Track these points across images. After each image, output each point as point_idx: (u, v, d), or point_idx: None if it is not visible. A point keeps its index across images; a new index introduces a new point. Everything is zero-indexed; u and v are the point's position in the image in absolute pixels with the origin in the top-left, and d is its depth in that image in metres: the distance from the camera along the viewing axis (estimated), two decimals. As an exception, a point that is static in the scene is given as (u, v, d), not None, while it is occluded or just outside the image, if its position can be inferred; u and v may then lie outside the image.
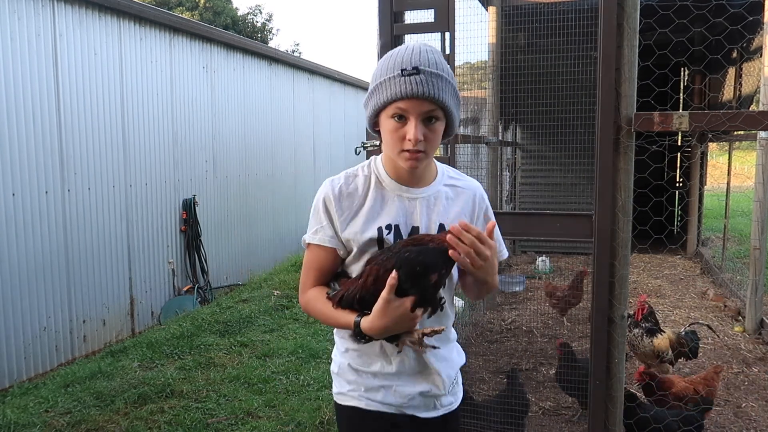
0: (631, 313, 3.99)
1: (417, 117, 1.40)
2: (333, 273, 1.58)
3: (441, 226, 1.53)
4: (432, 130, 1.43)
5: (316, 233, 1.54)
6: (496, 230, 1.55)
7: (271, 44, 28.61)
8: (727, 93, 7.48)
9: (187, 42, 7.67)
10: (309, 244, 1.56)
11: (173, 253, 7.36)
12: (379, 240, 1.50)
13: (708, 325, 4.73)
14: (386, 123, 1.45)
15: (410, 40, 2.68)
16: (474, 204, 1.61)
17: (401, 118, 1.41)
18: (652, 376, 3.29)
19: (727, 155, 7.71)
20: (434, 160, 1.62)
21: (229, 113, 8.63)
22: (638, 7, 2.19)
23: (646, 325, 3.97)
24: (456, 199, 1.59)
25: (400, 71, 1.39)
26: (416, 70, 1.38)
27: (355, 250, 1.52)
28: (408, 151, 1.42)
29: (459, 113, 1.50)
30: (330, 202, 1.53)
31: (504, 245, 1.68)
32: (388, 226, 1.51)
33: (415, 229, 1.52)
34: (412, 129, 1.39)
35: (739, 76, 7.01)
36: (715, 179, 10.73)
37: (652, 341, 3.89)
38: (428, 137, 1.42)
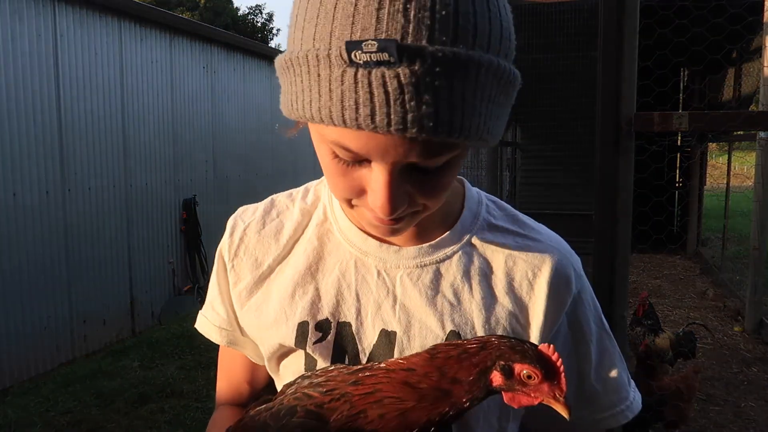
0: (632, 312, 4.00)
1: (393, 165, 0.60)
2: (256, 384, 0.93)
3: (453, 334, 0.72)
4: (433, 182, 0.65)
5: (204, 313, 0.88)
6: (606, 356, 0.85)
7: (271, 44, 28.63)
8: (727, 93, 7.48)
9: (187, 42, 7.67)
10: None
11: (173, 253, 7.36)
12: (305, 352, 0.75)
13: (704, 326, 4.73)
14: (322, 150, 0.65)
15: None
16: (548, 293, 0.76)
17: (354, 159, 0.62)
18: (652, 357, 3.38)
19: (727, 155, 7.72)
20: (462, 180, 0.83)
21: (229, 113, 8.63)
22: (638, 7, 2.20)
23: (648, 323, 3.96)
24: (495, 275, 0.76)
25: (344, 46, 0.53)
26: (387, 50, 0.52)
27: (266, 357, 0.81)
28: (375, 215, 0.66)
29: (507, 115, 0.69)
30: (225, 255, 0.82)
31: (628, 392, 0.86)
32: (322, 325, 0.74)
33: (388, 336, 0.73)
34: (380, 189, 0.61)
35: (739, 76, 7.01)
36: (714, 179, 10.74)
37: (654, 340, 3.89)
38: (424, 192, 0.65)
